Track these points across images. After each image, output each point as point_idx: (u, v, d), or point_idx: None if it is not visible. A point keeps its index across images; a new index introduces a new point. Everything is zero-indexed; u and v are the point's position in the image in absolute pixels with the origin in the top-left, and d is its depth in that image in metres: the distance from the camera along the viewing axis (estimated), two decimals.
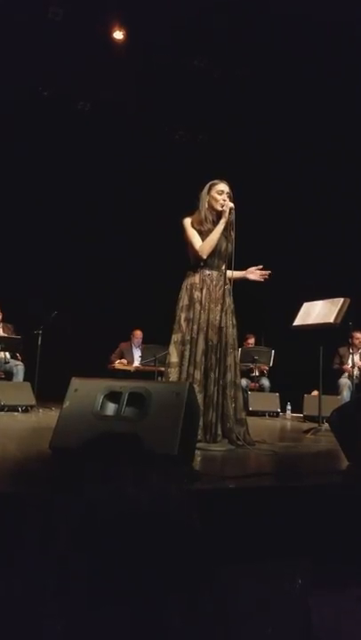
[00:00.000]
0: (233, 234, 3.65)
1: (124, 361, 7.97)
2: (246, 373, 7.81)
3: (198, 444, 3.00)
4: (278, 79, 7.38)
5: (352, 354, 6.70)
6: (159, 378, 6.56)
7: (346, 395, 6.71)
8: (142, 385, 2.54)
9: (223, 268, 3.63)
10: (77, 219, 8.77)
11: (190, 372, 3.46)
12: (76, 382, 2.59)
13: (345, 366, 7.04)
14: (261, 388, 8.01)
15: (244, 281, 3.81)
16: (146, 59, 7.40)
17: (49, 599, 1.15)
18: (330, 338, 5.64)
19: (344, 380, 6.89)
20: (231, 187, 3.69)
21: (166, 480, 1.45)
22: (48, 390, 6.06)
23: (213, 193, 3.66)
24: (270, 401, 7.56)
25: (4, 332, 7.07)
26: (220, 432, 3.37)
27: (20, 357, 6.95)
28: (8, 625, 1.23)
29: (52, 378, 5.01)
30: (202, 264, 3.64)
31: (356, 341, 6.95)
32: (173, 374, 3.51)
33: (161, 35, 6.93)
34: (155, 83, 7.79)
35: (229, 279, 3.68)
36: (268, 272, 3.82)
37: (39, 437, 3.37)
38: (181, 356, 3.54)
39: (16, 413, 5.75)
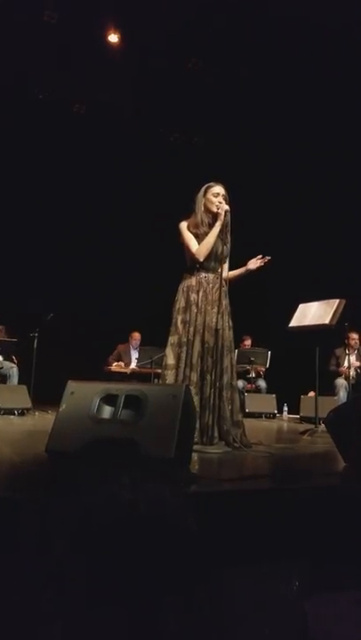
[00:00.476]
0: (229, 236, 3.66)
1: (121, 363, 7.96)
2: (243, 375, 7.82)
3: (195, 447, 2.99)
4: (274, 81, 7.39)
5: (348, 355, 6.71)
6: (156, 380, 6.56)
7: (342, 395, 6.72)
8: (139, 387, 2.54)
9: (219, 270, 3.64)
10: (74, 221, 8.77)
11: (187, 374, 3.47)
12: (72, 385, 2.59)
13: (342, 368, 7.05)
14: (258, 390, 8.02)
15: (248, 275, 3.75)
16: (141, 61, 7.41)
17: (46, 601, 1.15)
18: (326, 339, 5.65)
19: (340, 381, 6.90)
20: (227, 189, 3.70)
21: (163, 483, 1.45)
22: (44, 393, 6.05)
23: (209, 195, 3.67)
24: (267, 402, 7.57)
25: None
26: (216, 434, 3.36)
27: (15, 360, 6.93)
28: (6, 627, 1.23)
29: (49, 380, 5.00)
30: (198, 266, 3.65)
31: (352, 342, 6.96)
32: (170, 376, 3.52)
33: (156, 37, 6.94)
34: (150, 85, 7.80)
35: (231, 279, 3.68)
36: (268, 257, 3.74)
37: (35, 440, 3.36)
38: (178, 359, 3.54)
39: (12, 416, 5.75)
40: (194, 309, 3.57)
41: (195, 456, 2.87)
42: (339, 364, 7.21)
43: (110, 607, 1.11)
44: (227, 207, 3.60)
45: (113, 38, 7.23)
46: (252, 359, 7.88)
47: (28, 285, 8.19)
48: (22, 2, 6.41)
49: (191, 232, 3.67)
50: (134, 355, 8.10)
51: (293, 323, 5.33)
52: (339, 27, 6.27)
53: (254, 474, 2.60)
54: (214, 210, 3.62)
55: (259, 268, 3.73)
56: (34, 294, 7.97)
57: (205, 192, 3.70)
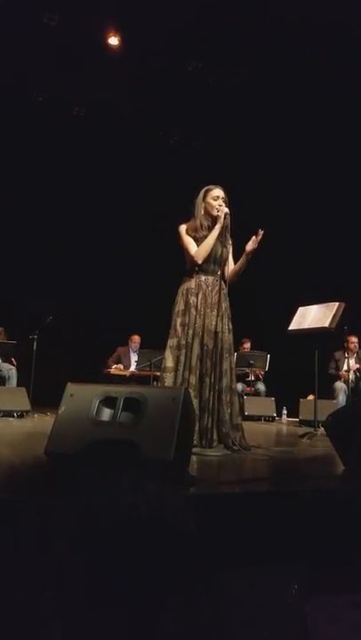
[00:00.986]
0: (229, 239, 3.66)
1: (120, 366, 7.96)
2: (242, 378, 7.82)
3: (194, 450, 2.99)
4: (274, 81, 7.40)
5: (347, 358, 6.71)
6: (155, 382, 6.56)
7: (341, 399, 6.72)
8: (138, 390, 2.54)
9: (219, 272, 3.64)
10: (73, 224, 8.78)
11: (186, 376, 3.46)
12: (71, 387, 2.59)
13: (341, 372, 7.05)
14: (257, 393, 8.02)
15: (251, 258, 3.65)
16: (141, 63, 7.43)
17: (46, 601, 1.15)
18: (325, 342, 5.66)
19: (340, 385, 6.90)
20: (226, 192, 3.70)
21: (162, 485, 1.45)
22: (43, 395, 6.05)
23: (208, 199, 3.67)
24: (266, 405, 7.57)
25: None
26: (215, 437, 3.36)
27: (14, 362, 6.93)
28: (7, 627, 1.23)
29: (48, 383, 5.00)
30: (197, 269, 3.65)
31: (352, 345, 6.97)
32: (169, 379, 3.51)
33: (156, 39, 6.95)
34: (150, 87, 7.82)
35: (237, 272, 3.69)
36: (260, 232, 3.61)
37: (34, 443, 3.36)
38: (177, 361, 3.53)
39: (11, 419, 5.74)
40: (193, 312, 3.57)
41: (194, 459, 2.87)
42: (338, 368, 7.21)
43: (110, 608, 1.11)
44: (227, 210, 3.60)
45: (113, 40, 7.24)
46: (252, 362, 7.88)
47: (27, 286, 8.19)
48: (22, 4, 6.42)
49: (190, 235, 3.67)
50: (134, 357, 8.11)
51: (293, 326, 5.34)
52: (339, 27, 6.28)
53: (253, 477, 2.61)
54: (214, 213, 3.62)
55: (258, 247, 3.62)
56: (34, 294, 7.97)
57: (205, 195, 3.70)
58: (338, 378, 7.06)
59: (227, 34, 6.80)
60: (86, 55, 7.21)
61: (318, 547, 1.88)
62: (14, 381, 6.70)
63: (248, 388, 8.01)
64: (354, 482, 2.54)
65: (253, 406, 7.39)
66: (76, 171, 8.58)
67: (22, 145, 8.12)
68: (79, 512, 1.23)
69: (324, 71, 6.93)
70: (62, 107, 8.29)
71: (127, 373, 7.81)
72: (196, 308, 3.57)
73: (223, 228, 3.59)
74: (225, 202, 3.66)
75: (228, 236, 3.64)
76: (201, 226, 3.65)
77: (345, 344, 6.76)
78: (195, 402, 3.28)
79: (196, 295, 3.60)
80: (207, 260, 3.63)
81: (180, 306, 3.63)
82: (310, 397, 6.57)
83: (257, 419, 7.24)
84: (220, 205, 3.63)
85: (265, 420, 7.35)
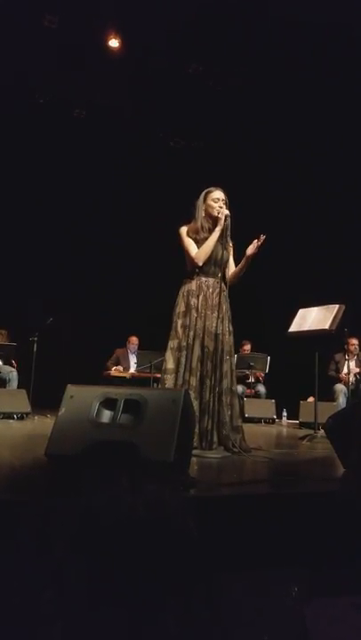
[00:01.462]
0: (230, 241, 3.67)
1: (120, 368, 7.96)
2: (242, 380, 7.82)
3: (194, 451, 3.00)
4: (274, 81, 7.40)
5: (348, 360, 6.72)
6: (155, 384, 6.56)
7: (341, 401, 6.72)
8: (138, 392, 2.53)
9: (220, 274, 3.65)
10: (73, 224, 8.79)
11: (186, 378, 3.47)
12: (71, 389, 2.59)
13: (341, 374, 7.05)
14: (257, 395, 8.02)
15: (252, 260, 3.65)
16: (141, 65, 7.44)
17: (46, 602, 1.15)
18: (325, 344, 5.65)
19: (340, 387, 6.90)
20: (226, 193, 3.71)
21: (162, 487, 1.46)
22: (43, 397, 6.05)
23: (209, 201, 3.68)
24: (266, 407, 7.57)
25: None
26: (215, 439, 3.36)
27: (14, 364, 6.94)
28: (7, 627, 1.23)
29: (48, 385, 5.00)
30: (198, 271, 3.65)
31: (352, 348, 6.97)
32: (169, 381, 3.52)
33: (156, 41, 6.96)
34: (150, 89, 7.83)
35: (238, 274, 3.69)
36: (263, 237, 3.61)
37: (35, 444, 3.36)
38: (177, 363, 3.54)
39: (11, 421, 5.74)
40: (194, 314, 3.57)
41: (194, 460, 2.87)
42: (338, 370, 7.22)
43: (110, 608, 1.12)
44: (227, 212, 3.61)
45: (113, 43, 7.26)
46: (252, 364, 7.88)
47: (27, 286, 8.20)
48: (22, 7, 6.44)
49: (191, 237, 3.68)
50: (133, 359, 8.11)
51: (293, 328, 5.34)
52: (339, 27, 6.29)
53: (253, 479, 2.61)
54: (215, 214, 3.63)
55: (258, 249, 3.62)
56: (34, 295, 7.97)
57: (205, 197, 3.71)
58: (338, 380, 7.06)
59: (226, 34, 6.80)
60: (87, 57, 7.22)
61: (318, 549, 1.88)
62: (15, 384, 6.71)
63: (248, 390, 8.01)
64: (354, 484, 2.54)
65: (253, 408, 7.39)
66: (76, 172, 8.59)
67: (23, 146, 8.13)
68: (79, 513, 1.23)
69: (324, 71, 6.94)
70: (63, 109, 8.30)
71: (127, 375, 7.81)
72: (197, 310, 3.58)
73: (224, 230, 3.59)
74: (225, 204, 3.67)
75: (229, 238, 3.65)
76: (202, 228, 3.66)
77: (345, 346, 6.76)
78: (195, 403, 3.28)
79: (197, 297, 3.61)
80: (208, 261, 3.64)
81: (180, 307, 3.64)
82: (310, 399, 6.58)
83: (257, 421, 7.23)
84: (221, 207, 3.64)
85: (265, 422, 7.35)
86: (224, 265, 3.67)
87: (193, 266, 3.65)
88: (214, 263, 3.66)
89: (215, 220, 3.63)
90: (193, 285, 3.64)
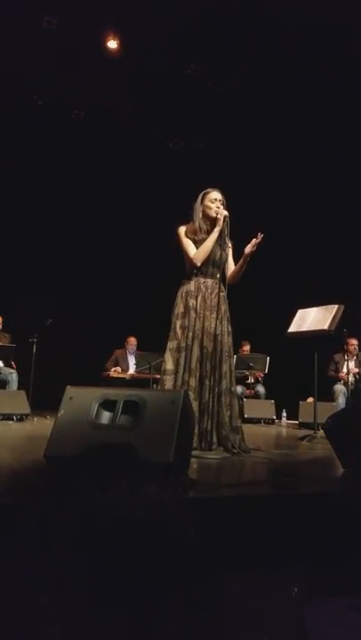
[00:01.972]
0: (228, 242, 3.67)
1: (119, 369, 7.96)
2: (241, 380, 7.82)
3: (193, 452, 3.00)
4: (274, 81, 7.40)
5: (347, 360, 6.72)
6: (155, 385, 6.56)
7: (341, 401, 6.72)
8: (137, 393, 2.54)
9: (218, 275, 3.65)
10: (73, 225, 8.79)
11: (185, 379, 3.47)
12: (71, 390, 2.59)
13: (341, 374, 7.06)
14: (257, 395, 8.02)
15: (250, 259, 3.64)
16: (140, 67, 7.44)
17: (46, 603, 1.15)
18: (325, 344, 5.66)
19: (339, 387, 6.91)
20: (225, 194, 3.71)
21: (162, 488, 1.45)
22: (43, 399, 6.05)
23: (207, 201, 3.68)
24: (266, 408, 7.57)
25: (0, 340, 7.07)
26: (215, 440, 3.37)
27: (14, 366, 6.93)
28: (6, 628, 1.23)
29: (47, 386, 5.00)
30: (196, 272, 3.66)
31: (351, 348, 6.97)
32: (169, 382, 3.52)
33: (155, 42, 6.96)
34: (149, 89, 7.83)
35: (238, 273, 3.69)
36: (260, 235, 3.62)
37: (34, 446, 3.36)
38: (177, 364, 3.54)
39: (10, 422, 5.74)
40: (193, 315, 3.58)
41: (193, 461, 2.87)
42: (338, 370, 7.22)
43: (110, 609, 1.12)
44: (225, 212, 3.61)
45: (112, 44, 7.26)
46: (251, 365, 7.88)
47: (27, 286, 8.19)
48: (22, 7, 6.43)
49: (189, 238, 3.68)
50: (131, 360, 8.11)
51: (292, 328, 5.34)
52: (339, 27, 6.28)
53: (253, 479, 2.60)
54: (213, 215, 3.63)
55: (256, 248, 3.62)
56: (34, 295, 7.97)
57: (203, 198, 3.72)
58: (337, 380, 7.07)
59: (226, 34, 6.80)
60: (86, 58, 7.22)
61: (318, 549, 1.89)
62: (15, 385, 6.71)
63: (248, 391, 8.01)
64: (353, 484, 2.54)
65: (253, 409, 7.39)
66: (75, 172, 8.59)
67: (23, 147, 8.13)
68: (79, 513, 1.23)
69: (324, 71, 6.94)
70: (62, 110, 8.31)
71: (127, 376, 7.81)
72: (196, 311, 3.58)
73: (222, 231, 3.60)
74: (223, 204, 3.67)
75: (228, 238, 3.65)
76: (200, 228, 3.66)
77: (344, 346, 6.76)
78: (194, 404, 3.28)
79: (196, 298, 3.61)
80: (206, 262, 3.64)
81: (179, 308, 3.64)
82: (310, 400, 6.58)
83: (256, 421, 7.24)
84: (219, 208, 3.64)
85: (264, 422, 7.35)
86: (223, 265, 3.67)
87: (191, 267, 3.65)
88: (213, 264, 3.66)
89: (213, 221, 3.63)
90: (192, 286, 3.65)
